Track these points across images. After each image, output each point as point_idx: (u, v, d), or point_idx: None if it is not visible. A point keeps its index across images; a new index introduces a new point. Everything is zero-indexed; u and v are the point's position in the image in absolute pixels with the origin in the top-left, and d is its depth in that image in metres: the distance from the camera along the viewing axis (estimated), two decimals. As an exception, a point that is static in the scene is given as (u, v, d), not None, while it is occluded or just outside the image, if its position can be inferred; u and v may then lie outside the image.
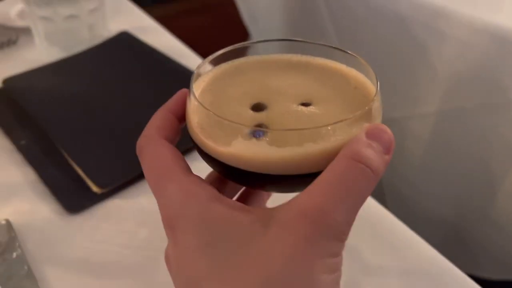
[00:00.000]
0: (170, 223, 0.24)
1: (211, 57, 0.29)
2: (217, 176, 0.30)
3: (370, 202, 0.47)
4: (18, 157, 0.52)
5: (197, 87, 0.28)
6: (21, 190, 0.48)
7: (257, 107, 0.26)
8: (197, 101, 0.25)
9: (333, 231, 0.22)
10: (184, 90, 0.28)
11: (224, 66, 0.30)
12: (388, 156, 0.24)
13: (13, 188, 0.48)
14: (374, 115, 0.25)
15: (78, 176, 0.48)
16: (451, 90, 0.82)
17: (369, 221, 0.45)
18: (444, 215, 0.88)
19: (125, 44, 0.70)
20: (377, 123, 0.25)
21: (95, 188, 0.46)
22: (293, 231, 0.22)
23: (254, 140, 0.24)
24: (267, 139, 0.23)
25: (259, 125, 0.25)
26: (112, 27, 0.74)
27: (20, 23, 0.76)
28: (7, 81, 0.62)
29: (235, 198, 0.32)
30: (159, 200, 0.25)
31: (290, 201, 0.23)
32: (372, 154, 0.23)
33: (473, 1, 0.81)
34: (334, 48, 0.29)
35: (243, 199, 0.33)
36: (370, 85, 0.28)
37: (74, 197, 0.46)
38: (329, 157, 0.23)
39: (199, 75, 0.28)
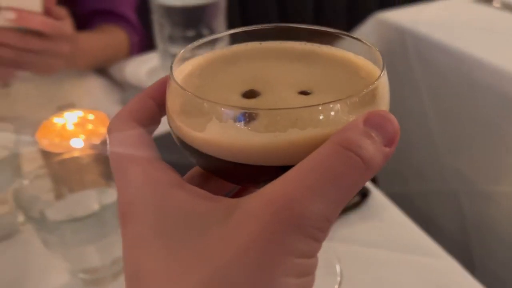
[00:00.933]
0: (123, 210, 0.22)
1: (202, 40, 0.27)
2: (199, 172, 0.27)
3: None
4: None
5: (182, 70, 0.26)
6: None
7: (249, 94, 0.24)
8: (173, 81, 0.23)
9: (305, 226, 0.18)
10: (167, 76, 0.25)
11: (220, 51, 0.28)
12: (389, 149, 0.20)
13: None
14: (378, 102, 0.22)
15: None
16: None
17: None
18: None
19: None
20: (380, 110, 0.21)
21: None
22: (255, 221, 0.18)
23: (230, 123, 0.21)
24: (246, 122, 0.21)
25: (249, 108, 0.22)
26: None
27: (150, 83, 0.84)
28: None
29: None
30: (118, 185, 0.23)
31: (261, 189, 0.20)
32: (366, 143, 0.20)
33: None
34: (342, 34, 0.27)
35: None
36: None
37: None
38: (318, 146, 0.20)
39: (185, 57, 0.26)
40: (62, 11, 0.70)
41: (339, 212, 0.20)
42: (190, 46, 0.26)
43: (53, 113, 0.79)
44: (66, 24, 0.69)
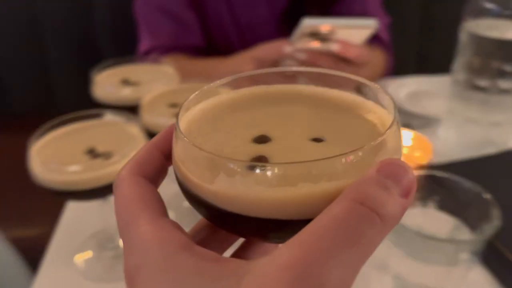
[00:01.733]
0: (130, 274, 0.20)
1: (212, 84, 0.26)
2: (206, 223, 0.26)
3: None
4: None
5: (190, 115, 0.25)
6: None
7: (260, 140, 0.23)
8: (179, 131, 0.22)
9: None
10: (174, 124, 0.24)
11: (227, 95, 0.27)
12: (406, 200, 0.19)
13: None
14: (391, 150, 0.21)
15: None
16: None
17: None
18: None
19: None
20: (393, 158, 0.20)
21: None
22: None
23: (238, 177, 0.20)
24: (254, 176, 0.20)
25: (259, 158, 0.21)
26: None
27: (408, 106, 0.84)
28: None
29: (232, 251, 0.28)
30: (124, 247, 0.21)
31: (272, 252, 0.18)
32: (382, 195, 0.18)
33: None
34: (353, 79, 0.26)
35: (242, 251, 0.27)
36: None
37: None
38: (330, 200, 0.19)
39: (193, 103, 0.26)
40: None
41: (356, 273, 0.18)
42: (197, 92, 0.26)
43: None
44: (368, 52, 0.73)
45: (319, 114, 0.26)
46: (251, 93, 0.28)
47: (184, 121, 0.25)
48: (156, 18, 1.01)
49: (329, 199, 0.19)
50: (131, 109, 0.57)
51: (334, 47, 0.69)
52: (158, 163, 0.24)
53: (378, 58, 0.93)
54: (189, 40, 1.02)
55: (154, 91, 0.57)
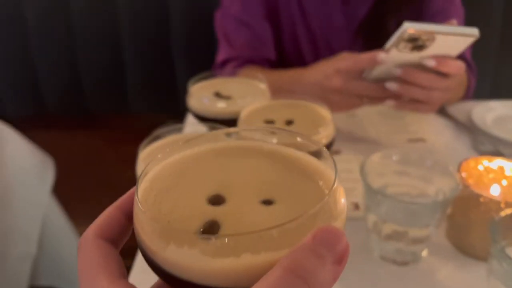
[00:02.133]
0: None
1: (174, 145, 0.28)
2: (163, 283, 0.27)
3: None
4: None
5: (153, 173, 0.26)
6: None
7: (215, 200, 0.24)
8: (136, 196, 0.24)
9: None
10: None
11: (192, 150, 0.28)
12: (339, 267, 0.20)
13: None
14: (329, 216, 0.22)
15: None
16: None
17: None
18: None
19: None
20: (328, 225, 0.21)
21: None
22: None
23: (186, 248, 0.21)
24: (200, 247, 0.21)
25: (213, 222, 0.23)
26: None
27: (499, 132, 0.81)
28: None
29: None
30: None
31: None
32: (314, 263, 0.19)
33: None
34: (310, 141, 0.27)
35: None
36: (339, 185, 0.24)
37: None
38: (270, 268, 0.20)
39: (156, 163, 0.27)
40: None
41: None
42: (159, 156, 0.27)
43: (403, 143, 0.82)
44: (461, 64, 0.70)
45: (275, 174, 0.26)
46: (213, 149, 0.29)
47: (147, 180, 0.26)
48: (234, 28, 1.03)
49: (269, 268, 0.20)
50: (227, 122, 0.58)
51: (430, 63, 0.67)
52: (120, 225, 0.26)
53: (463, 76, 0.90)
54: (264, 52, 1.03)
55: (251, 106, 0.58)
